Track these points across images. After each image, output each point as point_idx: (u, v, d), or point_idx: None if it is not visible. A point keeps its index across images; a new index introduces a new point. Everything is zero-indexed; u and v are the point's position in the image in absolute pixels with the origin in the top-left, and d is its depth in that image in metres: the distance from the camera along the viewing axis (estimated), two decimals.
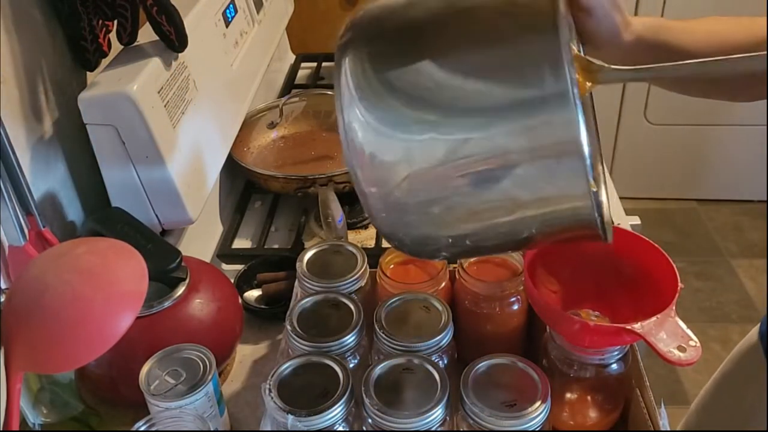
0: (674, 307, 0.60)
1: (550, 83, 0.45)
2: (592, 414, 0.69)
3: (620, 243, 0.69)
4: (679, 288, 0.62)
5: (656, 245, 0.67)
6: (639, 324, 0.58)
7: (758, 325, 0.92)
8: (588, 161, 0.45)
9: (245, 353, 0.83)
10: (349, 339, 0.67)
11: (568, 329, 0.64)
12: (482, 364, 0.63)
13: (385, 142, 0.49)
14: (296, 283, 0.77)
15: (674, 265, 0.64)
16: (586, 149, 0.45)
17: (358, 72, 0.49)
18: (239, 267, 0.93)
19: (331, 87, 1.37)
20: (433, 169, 0.49)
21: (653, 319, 0.59)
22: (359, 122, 0.49)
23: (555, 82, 0.45)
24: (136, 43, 0.85)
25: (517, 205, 0.49)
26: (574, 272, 0.70)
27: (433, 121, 0.48)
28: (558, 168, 0.46)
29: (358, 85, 0.49)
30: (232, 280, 0.87)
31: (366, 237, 1.03)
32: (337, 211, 0.96)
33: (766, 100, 0.67)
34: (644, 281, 0.67)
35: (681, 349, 0.57)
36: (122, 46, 0.85)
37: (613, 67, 0.53)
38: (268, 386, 0.61)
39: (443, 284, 0.74)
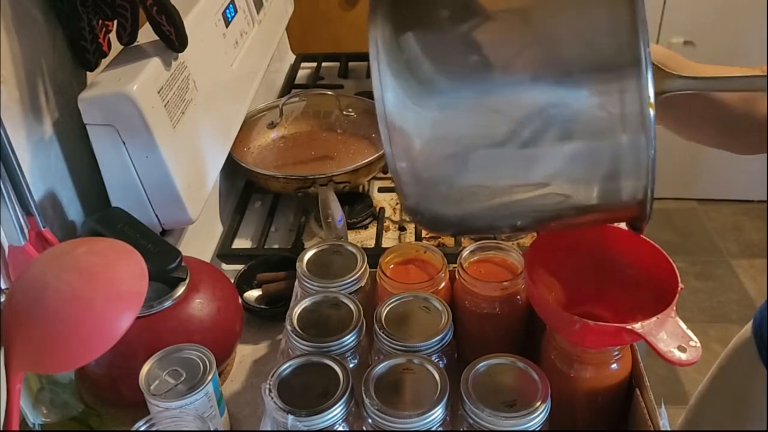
0: (674, 307, 0.60)
1: (623, 47, 0.44)
2: (592, 414, 0.69)
3: (620, 243, 0.69)
4: (679, 288, 0.62)
5: (656, 245, 0.67)
6: (639, 324, 0.58)
7: (751, 321, 0.93)
8: (653, 129, 0.44)
9: (245, 353, 0.83)
10: (349, 339, 0.67)
11: (568, 329, 0.64)
12: (482, 364, 0.63)
13: (418, 114, 0.47)
14: (296, 283, 0.77)
15: (674, 265, 0.64)
16: (651, 117, 0.44)
17: (391, 40, 0.48)
18: (239, 267, 0.93)
19: (330, 87, 1.38)
20: (474, 143, 0.47)
21: (653, 319, 0.59)
22: (393, 93, 0.47)
23: (628, 46, 0.44)
24: (136, 43, 0.85)
25: (560, 181, 0.49)
26: (574, 272, 0.70)
27: (481, 85, 0.46)
28: (615, 143, 0.45)
29: (389, 51, 0.47)
30: (232, 280, 0.87)
31: (366, 237, 1.03)
32: (337, 211, 0.96)
33: (766, 97, 0.67)
34: (644, 281, 0.67)
35: (681, 349, 0.57)
36: (122, 46, 0.85)
37: (681, 74, 0.52)
38: (268, 386, 0.61)
39: (443, 284, 0.74)
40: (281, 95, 1.37)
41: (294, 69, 1.49)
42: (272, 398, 0.60)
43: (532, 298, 0.68)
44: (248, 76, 1.14)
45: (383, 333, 0.66)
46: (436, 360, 0.65)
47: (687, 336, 0.58)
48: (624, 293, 0.69)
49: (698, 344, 0.58)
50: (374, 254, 0.80)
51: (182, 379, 0.65)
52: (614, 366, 0.66)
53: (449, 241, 1.00)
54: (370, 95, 1.30)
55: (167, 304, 0.72)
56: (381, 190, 1.11)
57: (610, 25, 0.46)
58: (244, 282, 0.91)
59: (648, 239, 0.68)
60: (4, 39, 0.71)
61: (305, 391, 0.61)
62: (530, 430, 0.58)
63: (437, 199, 0.51)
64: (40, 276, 0.59)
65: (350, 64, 1.49)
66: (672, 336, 0.58)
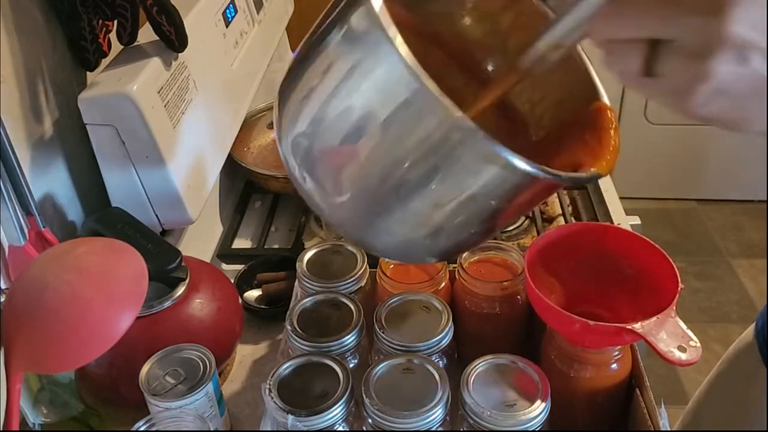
0: (674, 307, 0.60)
1: (368, 37, 0.43)
2: (592, 414, 0.69)
3: (620, 243, 0.69)
4: (679, 288, 0.62)
5: (656, 245, 0.67)
6: (639, 324, 0.58)
7: (753, 324, 0.93)
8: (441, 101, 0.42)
9: (245, 353, 0.83)
10: (349, 339, 0.67)
11: (569, 329, 0.64)
12: (482, 364, 0.63)
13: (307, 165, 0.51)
14: (296, 283, 0.77)
15: (674, 265, 0.64)
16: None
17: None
18: (239, 267, 0.93)
19: None
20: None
21: (654, 319, 0.59)
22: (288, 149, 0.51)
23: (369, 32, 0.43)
24: (136, 43, 0.85)
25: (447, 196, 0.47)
26: (575, 272, 0.70)
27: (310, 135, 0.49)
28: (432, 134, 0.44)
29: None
30: (232, 280, 0.87)
31: None
32: None
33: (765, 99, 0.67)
34: (644, 281, 0.67)
35: (681, 349, 0.57)
36: (122, 46, 0.85)
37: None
38: (268, 386, 0.61)
39: (443, 284, 0.74)
40: None
41: None
42: (272, 398, 0.60)
43: (532, 299, 0.68)
44: (248, 76, 1.14)
45: (383, 333, 0.66)
46: (436, 360, 0.65)
47: (687, 336, 0.58)
48: (624, 293, 0.69)
49: (698, 344, 0.58)
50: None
51: (182, 379, 0.65)
52: (614, 366, 0.66)
53: None
54: None
55: (167, 304, 0.72)
56: None
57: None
58: (244, 282, 0.91)
59: (648, 239, 0.68)
60: (4, 39, 0.71)
61: (305, 391, 0.61)
62: (530, 430, 0.58)
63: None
64: (40, 276, 0.59)
65: None
66: (672, 336, 0.58)
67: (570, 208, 1.04)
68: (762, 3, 0.39)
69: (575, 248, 0.70)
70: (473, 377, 0.61)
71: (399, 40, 0.42)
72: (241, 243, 1.02)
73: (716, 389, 0.97)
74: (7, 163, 0.67)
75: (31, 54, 0.76)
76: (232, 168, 1.07)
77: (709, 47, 0.39)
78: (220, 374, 0.77)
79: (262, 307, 0.88)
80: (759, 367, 0.88)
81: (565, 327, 0.64)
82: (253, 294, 0.90)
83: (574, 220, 1.03)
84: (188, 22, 0.86)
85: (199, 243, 0.97)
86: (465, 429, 0.60)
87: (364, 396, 0.60)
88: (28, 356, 0.57)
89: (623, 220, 1.01)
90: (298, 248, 0.97)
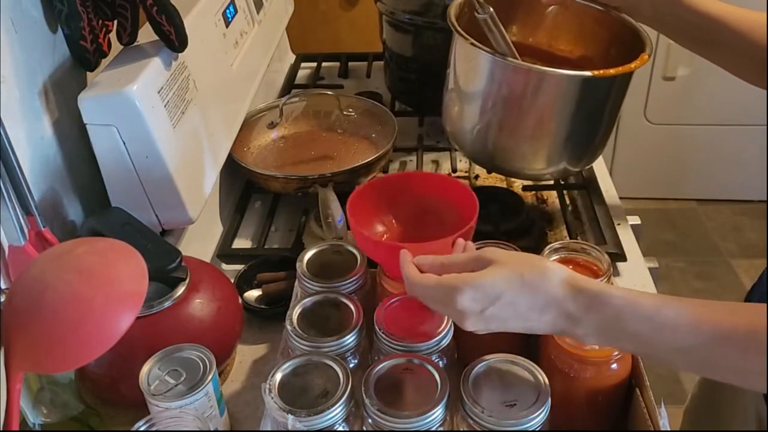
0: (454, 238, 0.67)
1: None
2: (592, 414, 0.69)
3: (432, 186, 0.79)
4: (471, 224, 0.70)
5: (461, 182, 0.77)
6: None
7: None
8: None
9: (245, 353, 0.83)
10: (349, 339, 0.67)
11: (368, 248, 0.73)
12: (482, 364, 0.63)
13: None
14: (296, 283, 0.77)
15: (477, 203, 0.72)
16: None
17: None
18: (239, 267, 0.93)
19: (330, 87, 1.38)
20: None
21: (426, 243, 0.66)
22: None
23: None
24: (136, 43, 0.85)
25: None
26: (403, 213, 0.80)
27: None
28: None
29: None
30: (232, 280, 0.87)
31: None
32: (337, 211, 0.96)
33: (766, 100, 0.68)
34: (454, 217, 0.73)
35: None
36: (122, 46, 0.85)
37: None
38: (268, 386, 0.61)
39: None
40: (281, 95, 1.37)
41: (294, 69, 1.49)
42: (272, 398, 0.60)
43: (353, 230, 0.73)
44: (248, 76, 1.14)
45: (383, 333, 0.66)
46: (436, 360, 0.65)
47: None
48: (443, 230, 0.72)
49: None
50: None
51: (182, 379, 0.65)
52: (614, 366, 0.66)
53: None
54: (370, 95, 1.30)
55: (167, 304, 0.72)
56: None
57: None
58: (244, 282, 0.91)
59: (455, 179, 0.79)
60: (4, 39, 0.71)
61: (305, 391, 0.61)
62: (530, 430, 0.58)
63: None
64: (40, 276, 0.59)
65: (350, 64, 1.49)
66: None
67: (570, 208, 1.04)
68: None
69: (398, 195, 0.80)
70: (473, 377, 0.61)
71: None
72: (241, 243, 1.02)
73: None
74: (7, 162, 0.67)
75: (31, 54, 0.76)
76: (232, 168, 1.07)
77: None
78: (220, 374, 0.77)
79: (262, 307, 0.88)
80: None
81: (367, 247, 0.74)
82: (253, 294, 0.90)
83: (574, 220, 1.03)
84: (188, 22, 0.86)
85: (199, 243, 0.97)
86: (465, 429, 0.60)
87: (364, 396, 0.60)
88: (28, 356, 0.57)
89: (623, 220, 1.01)
90: (298, 248, 0.97)
